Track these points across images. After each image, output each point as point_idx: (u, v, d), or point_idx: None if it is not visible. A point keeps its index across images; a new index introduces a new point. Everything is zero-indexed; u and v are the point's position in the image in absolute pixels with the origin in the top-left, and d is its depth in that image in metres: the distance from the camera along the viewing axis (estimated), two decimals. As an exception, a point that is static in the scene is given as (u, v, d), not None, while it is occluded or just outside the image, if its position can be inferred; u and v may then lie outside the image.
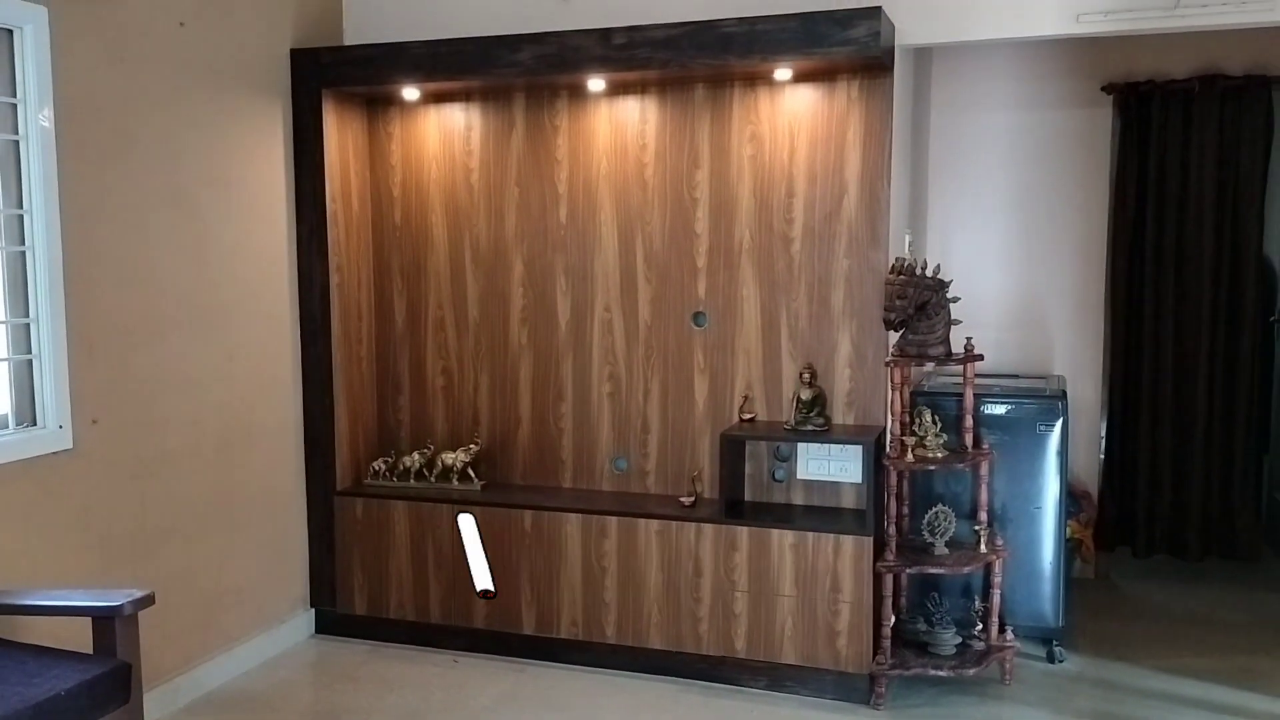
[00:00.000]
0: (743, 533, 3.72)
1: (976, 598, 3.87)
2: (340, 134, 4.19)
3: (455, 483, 4.17)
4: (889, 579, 3.60)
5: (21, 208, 3.08)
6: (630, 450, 4.13)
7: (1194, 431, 4.80)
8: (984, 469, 3.70)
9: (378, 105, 4.33)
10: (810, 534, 3.64)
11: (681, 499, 3.92)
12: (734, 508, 3.84)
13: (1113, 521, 4.90)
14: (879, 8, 3.44)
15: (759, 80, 3.84)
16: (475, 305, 4.28)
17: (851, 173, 3.80)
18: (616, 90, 4.01)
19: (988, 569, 3.74)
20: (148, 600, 2.61)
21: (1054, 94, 4.83)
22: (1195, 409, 4.79)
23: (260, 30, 3.95)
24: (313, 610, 4.28)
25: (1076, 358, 4.89)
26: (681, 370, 4.04)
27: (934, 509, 3.71)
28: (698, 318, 4.01)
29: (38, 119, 3.07)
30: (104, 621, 2.57)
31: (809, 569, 3.64)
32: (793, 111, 3.84)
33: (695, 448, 4.05)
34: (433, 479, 4.21)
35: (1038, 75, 4.82)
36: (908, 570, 3.61)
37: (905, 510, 3.81)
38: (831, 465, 3.87)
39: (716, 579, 3.75)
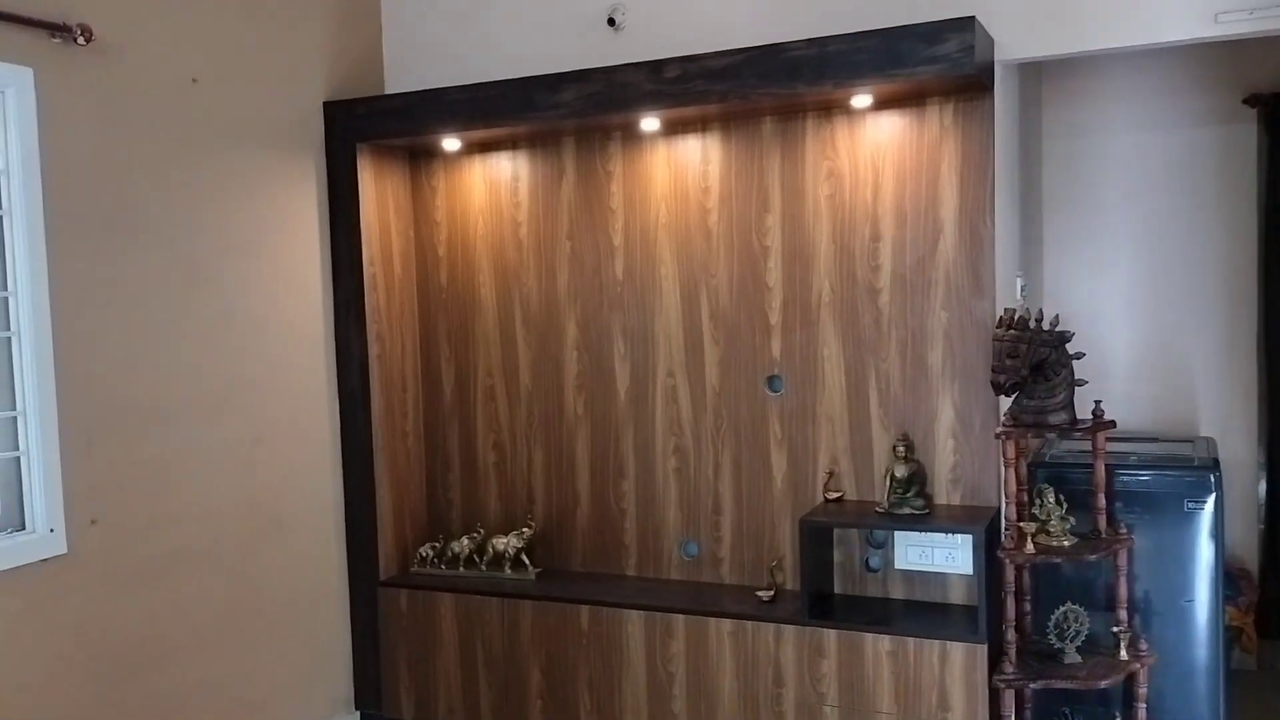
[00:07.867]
0: (830, 636, 3.18)
1: (1117, 713, 3.23)
2: (379, 191, 3.85)
3: (508, 570, 3.75)
4: (1009, 695, 3.00)
5: (5, 289, 2.78)
6: (701, 533, 3.64)
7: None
8: (1122, 558, 3.08)
9: (419, 158, 3.98)
10: (911, 640, 3.08)
11: (759, 593, 3.40)
12: (820, 604, 3.30)
13: (1276, 604, 4.18)
14: (972, 18, 2.92)
15: (835, 109, 3.35)
16: (527, 372, 3.87)
17: (948, 211, 3.27)
18: (674, 128, 3.56)
19: (1130, 679, 3.10)
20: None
21: (1187, 109, 4.21)
22: (1375, 469, 4.06)
23: (288, 83, 3.64)
24: (358, 714, 3.88)
25: (1224, 411, 4.22)
26: (756, 442, 3.54)
27: (1062, 607, 3.09)
28: (773, 382, 3.51)
29: (22, 190, 2.77)
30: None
31: (911, 681, 3.07)
32: (876, 143, 3.34)
33: (774, 531, 3.53)
34: (483, 566, 3.79)
35: (1167, 89, 4.22)
36: (1032, 685, 3.01)
37: (1027, 608, 3.22)
38: (936, 554, 3.30)
39: (801, 690, 3.21)
